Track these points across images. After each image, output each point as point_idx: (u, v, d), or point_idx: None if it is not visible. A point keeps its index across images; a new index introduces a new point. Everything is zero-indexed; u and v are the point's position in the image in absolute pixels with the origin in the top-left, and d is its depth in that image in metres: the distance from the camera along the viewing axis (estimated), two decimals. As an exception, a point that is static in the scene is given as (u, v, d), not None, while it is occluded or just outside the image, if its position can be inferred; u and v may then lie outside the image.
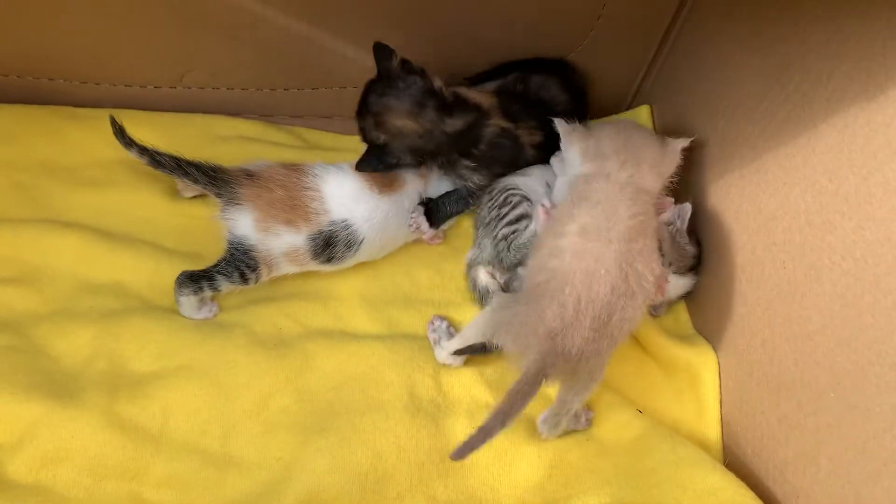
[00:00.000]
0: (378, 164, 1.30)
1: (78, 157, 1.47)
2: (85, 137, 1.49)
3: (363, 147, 1.31)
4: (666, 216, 1.27)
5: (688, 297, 1.38)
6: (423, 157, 1.33)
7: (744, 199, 1.20)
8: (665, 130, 1.54)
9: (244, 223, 1.26)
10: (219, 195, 1.27)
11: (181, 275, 1.26)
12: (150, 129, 1.50)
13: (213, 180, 1.27)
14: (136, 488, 1.09)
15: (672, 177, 1.26)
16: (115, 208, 1.40)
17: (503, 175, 1.42)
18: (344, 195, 1.29)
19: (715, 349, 1.27)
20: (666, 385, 1.29)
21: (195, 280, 1.25)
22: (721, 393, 1.24)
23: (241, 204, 1.26)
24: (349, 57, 1.45)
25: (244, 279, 1.27)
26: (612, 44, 1.48)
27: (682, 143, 1.25)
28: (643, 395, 1.27)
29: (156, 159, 1.27)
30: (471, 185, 1.39)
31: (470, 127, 1.32)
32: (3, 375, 1.14)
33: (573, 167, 1.25)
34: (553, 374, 1.04)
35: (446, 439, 1.18)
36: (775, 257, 1.10)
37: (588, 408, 1.24)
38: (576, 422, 1.21)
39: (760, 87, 1.17)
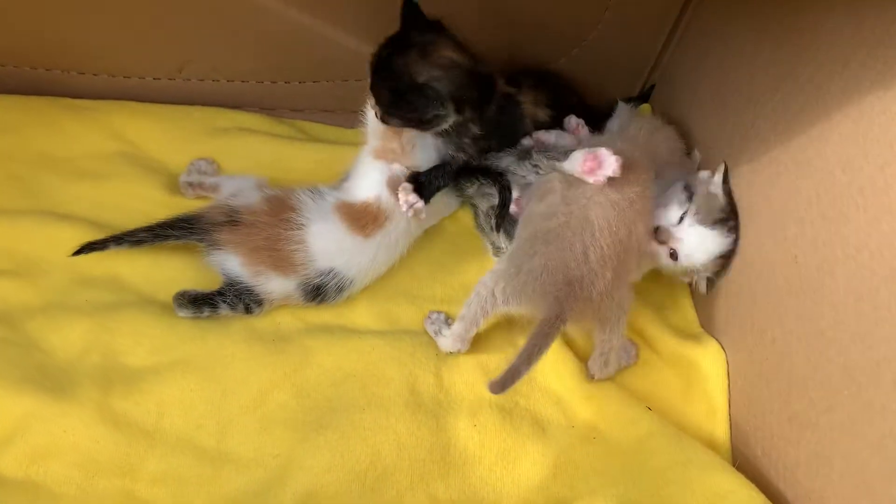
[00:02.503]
0: (411, 111, 1.15)
1: (75, 149, 1.44)
2: (83, 129, 1.46)
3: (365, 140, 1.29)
4: (703, 174, 1.24)
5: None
6: (458, 106, 1.17)
7: (753, 193, 1.17)
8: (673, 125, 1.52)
9: (232, 265, 1.24)
10: (200, 241, 1.25)
11: (182, 296, 1.23)
12: (149, 122, 1.49)
13: (191, 231, 1.24)
14: (130, 485, 1.06)
15: None
16: (112, 201, 1.38)
17: (492, 150, 1.32)
18: (328, 245, 1.25)
19: (723, 347, 1.24)
20: (673, 384, 1.26)
21: (197, 305, 1.22)
22: (730, 392, 1.21)
23: (222, 248, 1.24)
24: (351, 49, 1.43)
25: (248, 311, 1.25)
26: (619, 37, 1.46)
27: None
28: (650, 394, 1.24)
29: (136, 240, 1.24)
30: (462, 157, 1.28)
31: (489, 78, 1.23)
32: (-6, 368, 1.11)
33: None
34: (573, 318, 1.07)
35: (448, 437, 1.15)
36: (786, 251, 1.08)
37: (631, 342, 1.27)
38: (626, 357, 1.24)
39: (772, 78, 1.14)
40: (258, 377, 1.17)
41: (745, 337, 1.18)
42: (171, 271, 1.30)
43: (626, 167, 1.11)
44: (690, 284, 1.33)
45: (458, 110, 1.18)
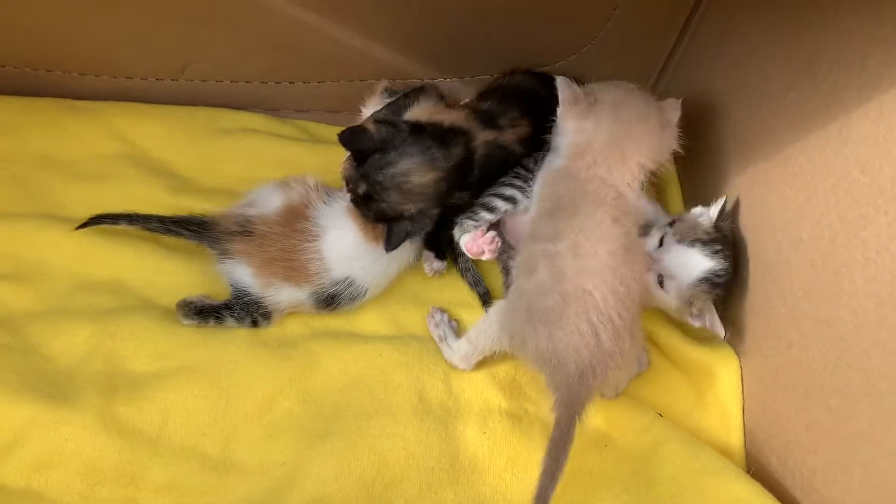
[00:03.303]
0: (411, 235, 1.19)
1: (77, 151, 1.43)
2: (84, 130, 1.45)
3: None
4: (695, 211, 1.18)
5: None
6: (446, 203, 1.21)
7: (768, 195, 1.15)
8: (684, 125, 1.50)
9: (242, 276, 1.21)
10: (212, 248, 1.24)
11: (187, 306, 1.20)
12: (152, 123, 1.48)
13: (202, 235, 1.23)
14: (133, 494, 1.05)
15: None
16: (114, 203, 1.35)
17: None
18: (344, 254, 1.23)
19: (737, 352, 1.21)
20: (686, 390, 1.23)
21: (202, 316, 1.20)
22: (744, 398, 1.18)
23: (233, 258, 1.21)
24: (357, 48, 1.41)
25: (255, 325, 1.23)
26: (629, 34, 1.43)
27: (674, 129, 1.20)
28: (662, 401, 1.21)
29: (149, 226, 1.24)
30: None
31: (465, 151, 1.21)
32: (-6, 375, 1.09)
33: (557, 151, 1.19)
34: (586, 409, 1.00)
35: (457, 444, 1.13)
36: (803, 255, 1.05)
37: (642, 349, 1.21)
38: (638, 364, 1.20)
39: (787, 77, 1.12)
40: (263, 383, 1.15)
41: (760, 342, 1.15)
42: (173, 276, 1.28)
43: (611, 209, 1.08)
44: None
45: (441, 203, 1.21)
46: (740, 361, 1.20)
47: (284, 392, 1.15)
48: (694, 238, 1.13)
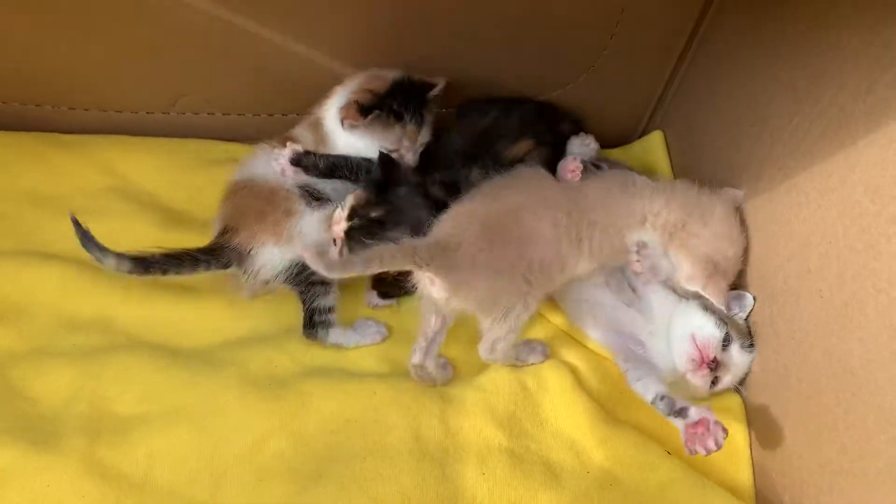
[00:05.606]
0: None
1: (65, 186, 1.40)
2: (72, 165, 1.42)
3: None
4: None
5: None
6: None
7: (774, 224, 1.12)
8: (683, 154, 1.47)
9: (272, 258, 1.22)
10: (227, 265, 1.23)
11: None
12: (141, 155, 1.46)
13: (219, 260, 1.22)
14: (117, 543, 1.00)
15: None
16: (103, 239, 1.30)
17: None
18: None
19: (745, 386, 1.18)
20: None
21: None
22: (752, 434, 1.15)
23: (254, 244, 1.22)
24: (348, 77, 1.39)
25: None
26: (625, 64, 1.41)
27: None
28: (669, 437, 1.16)
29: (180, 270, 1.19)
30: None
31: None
32: (-27, 419, 1.05)
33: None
34: (429, 263, 1.04)
35: (455, 486, 1.07)
36: (811, 286, 1.02)
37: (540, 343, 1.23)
38: (529, 352, 1.20)
39: (791, 102, 1.09)
40: (253, 425, 1.11)
41: (769, 376, 1.11)
42: (162, 311, 1.25)
43: None
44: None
45: None
46: (747, 397, 1.16)
47: (275, 434, 1.11)
48: (751, 343, 1.16)
